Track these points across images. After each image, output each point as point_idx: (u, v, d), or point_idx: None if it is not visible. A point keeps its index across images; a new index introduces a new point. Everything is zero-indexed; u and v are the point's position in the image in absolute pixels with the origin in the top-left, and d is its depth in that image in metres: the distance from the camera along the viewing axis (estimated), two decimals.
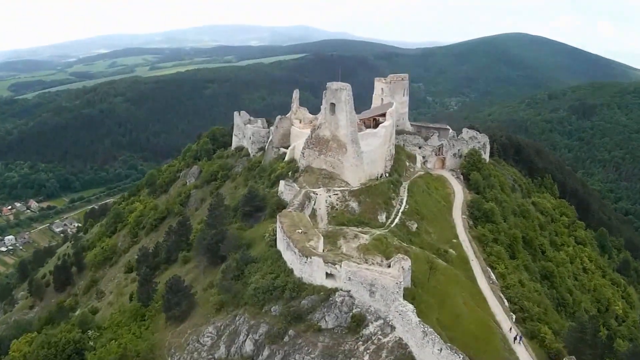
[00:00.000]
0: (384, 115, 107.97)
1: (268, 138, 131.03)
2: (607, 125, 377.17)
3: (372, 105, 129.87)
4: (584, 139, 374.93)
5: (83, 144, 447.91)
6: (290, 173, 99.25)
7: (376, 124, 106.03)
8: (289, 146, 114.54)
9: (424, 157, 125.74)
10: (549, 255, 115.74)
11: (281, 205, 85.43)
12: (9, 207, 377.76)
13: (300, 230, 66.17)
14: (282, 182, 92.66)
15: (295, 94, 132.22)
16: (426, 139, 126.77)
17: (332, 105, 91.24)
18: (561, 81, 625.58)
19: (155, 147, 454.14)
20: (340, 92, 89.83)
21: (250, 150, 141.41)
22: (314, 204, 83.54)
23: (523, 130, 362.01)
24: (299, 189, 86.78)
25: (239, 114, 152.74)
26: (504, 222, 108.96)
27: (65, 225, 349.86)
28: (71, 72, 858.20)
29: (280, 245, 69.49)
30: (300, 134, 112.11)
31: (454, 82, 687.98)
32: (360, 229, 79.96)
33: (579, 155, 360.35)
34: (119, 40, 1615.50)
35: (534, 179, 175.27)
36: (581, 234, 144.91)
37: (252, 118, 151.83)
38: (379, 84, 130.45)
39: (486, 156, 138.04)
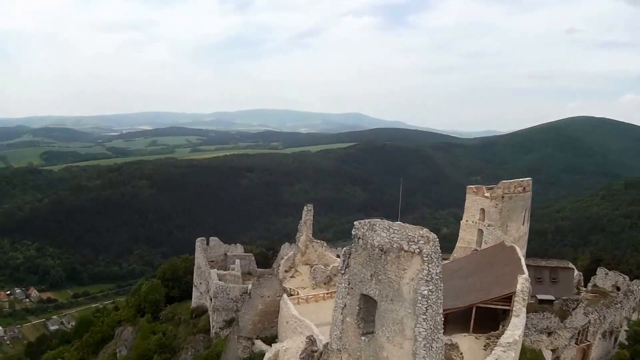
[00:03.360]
0: (507, 301, 41.47)
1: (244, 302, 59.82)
2: None
3: (457, 245, 65.24)
4: None
5: (98, 231, 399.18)
6: None
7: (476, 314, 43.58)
8: (275, 342, 50.75)
9: (553, 351, 62.01)
10: None
11: None
12: (8, 292, 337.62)
13: None
14: None
15: (307, 212, 71.89)
16: (563, 316, 62.75)
17: (366, 301, 25.77)
18: (631, 166, 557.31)
19: (177, 242, 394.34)
20: (400, 260, 23.27)
21: (211, 322, 70.48)
22: None
23: (600, 229, 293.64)
24: None
25: (204, 244, 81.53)
26: None
27: (62, 323, 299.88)
28: (109, 146, 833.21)
29: None
30: (294, 323, 47.29)
31: (514, 173, 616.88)
32: None
33: None
34: (164, 118, 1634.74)
35: None
36: None
37: (229, 251, 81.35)
38: (475, 200, 65.08)
39: None
